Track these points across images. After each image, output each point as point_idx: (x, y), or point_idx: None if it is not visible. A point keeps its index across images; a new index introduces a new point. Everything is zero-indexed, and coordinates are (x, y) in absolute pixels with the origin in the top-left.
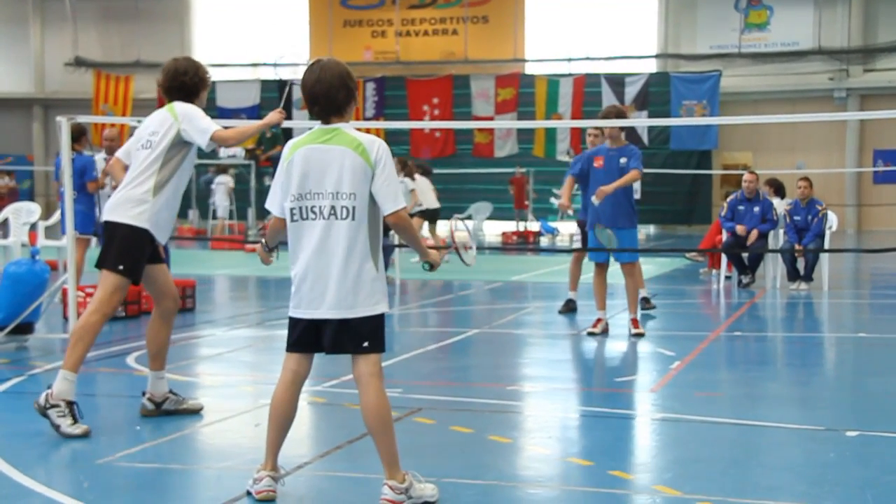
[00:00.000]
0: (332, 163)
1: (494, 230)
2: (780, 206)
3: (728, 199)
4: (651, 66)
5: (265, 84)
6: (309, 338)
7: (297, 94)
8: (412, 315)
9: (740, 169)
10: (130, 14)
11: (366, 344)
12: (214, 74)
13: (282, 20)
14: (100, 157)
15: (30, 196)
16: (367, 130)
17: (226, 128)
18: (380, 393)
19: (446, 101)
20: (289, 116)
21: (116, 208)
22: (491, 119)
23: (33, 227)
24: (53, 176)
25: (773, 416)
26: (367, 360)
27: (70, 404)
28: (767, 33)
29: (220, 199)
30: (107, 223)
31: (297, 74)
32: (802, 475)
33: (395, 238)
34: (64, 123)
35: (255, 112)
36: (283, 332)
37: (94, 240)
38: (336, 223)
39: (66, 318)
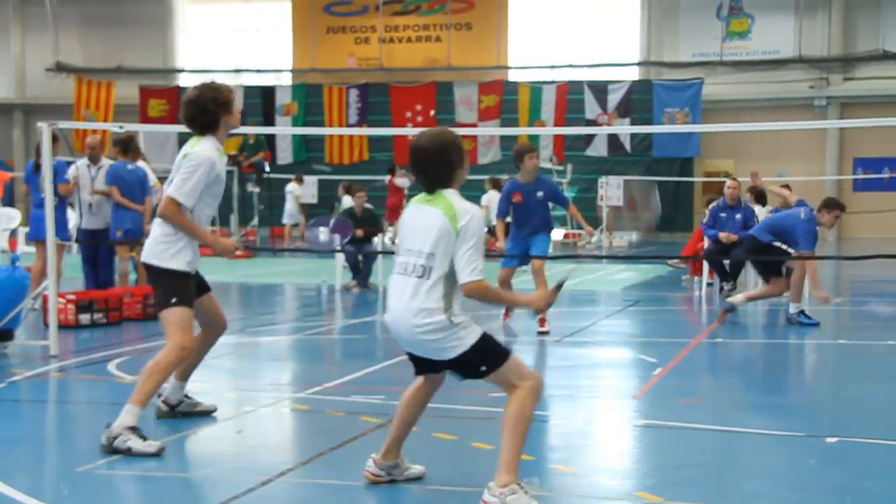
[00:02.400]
0: (423, 222)
1: None
2: (761, 213)
3: (710, 207)
4: (634, 74)
5: (248, 90)
6: (421, 366)
7: (280, 100)
8: None
9: (722, 176)
10: (112, 19)
11: (483, 368)
12: (197, 81)
13: (265, 26)
14: (81, 164)
15: (10, 202)
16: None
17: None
18: (516, 398)
19: (429, 108)
20: (271, 123)
21: (150, 250)
22: (474, 126)
23: (13, 233)
24: (23, 179)
25: (755, 422)
26: (497, 378)
27: (132, 429)
28: (749, 41)
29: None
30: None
31: (279, 81)
32: (783, 481)
33: (378, 245)
34: (45, 129)
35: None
36: (266, 339)
37: (73, 246)
38: (409, 279)
39: (46, 324)
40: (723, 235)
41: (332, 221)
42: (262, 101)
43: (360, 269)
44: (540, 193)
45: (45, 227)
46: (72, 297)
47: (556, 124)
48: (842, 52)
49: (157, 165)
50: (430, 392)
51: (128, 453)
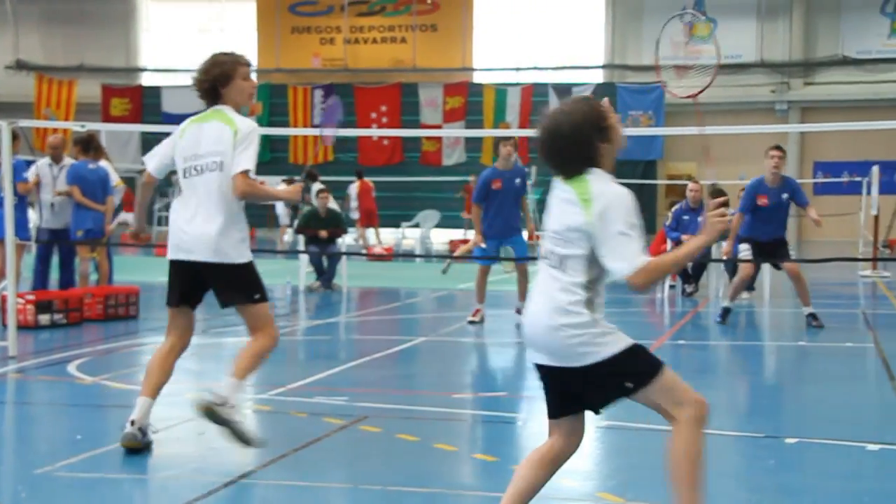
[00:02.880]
0: (556, 206)
1: (442, 238)
2: None
3: (673, 209)
4: (598, 77)
5: None
6: (556, 397)
7: None
8: (359, 323)
9: (685, 179)
10: (74, 17)
11: (629, 385)
12: (160, 80)
13: (229, 26)
14: (43, 163)
15: None
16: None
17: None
18: (677, 436)
19: (394, 109)
20: None
21: (219, 250)
22: (439, 127)
23: None
24: None
25: (715, 423)
26: (646, 399)
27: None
28: (712, 46)
29: None
30: (210, 265)
31: None
32: (743, 482)
33: (343, 246)
34: (4, 127)
35: None
36: (229, 340)
37: (34, 246)
38: (548, 270)
39: (4, 325)
40: (685, 238)
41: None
42: None
43: (324, 269)
44: (517, 181)
45: (4, 226)
46: (31, 297)
47: (521, 126)
48: (803, 57)
49: (120, 165)
50: (562, 453)
51: (224, 425)
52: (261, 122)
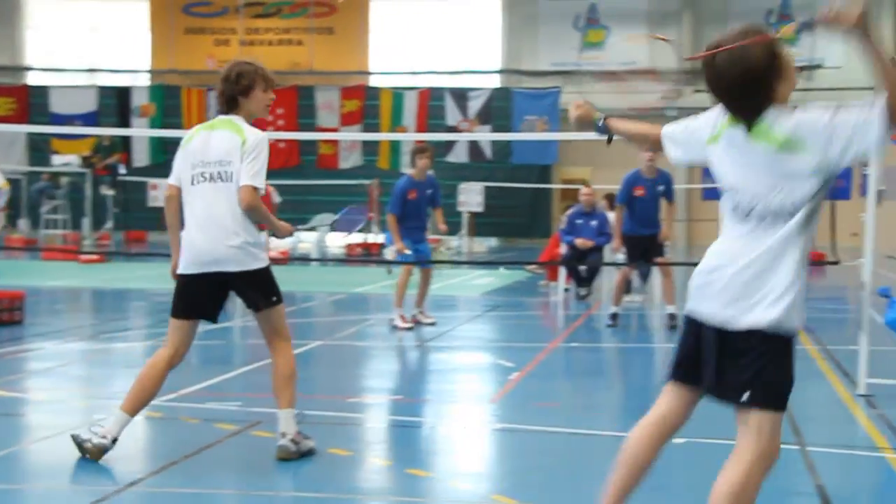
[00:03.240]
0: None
1: (338, 242)
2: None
3: (567, 213)
4: (494, 82)
5: (103, 90)
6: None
7: (136, 101)
8: (253, 327)
9: (579, 184)
10: None
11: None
12: (48, 79)
13: (121, 25)
14: None
15: None
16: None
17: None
18: (740, 464)
19: (291, 112)
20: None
21: (235, 259)
22: (336, 130)
23: None
24: None
25: (607, 425)
26: (750, 421)
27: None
28: (604, 52)
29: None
30: (227, 274)
31: (136, 81)
32: None
33: None
34: None
35: (92, 119)
36: (119, 346)
37: None
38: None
39: None
40: (579, 241)
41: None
42: (118, 102)
43: None
44: (429, 191)
45: None
46: None
47: (418, 130)
48: (692, 66)
49: (6, 166)
50: (674, 423)
51: (308, 453)
52: (154, 124)
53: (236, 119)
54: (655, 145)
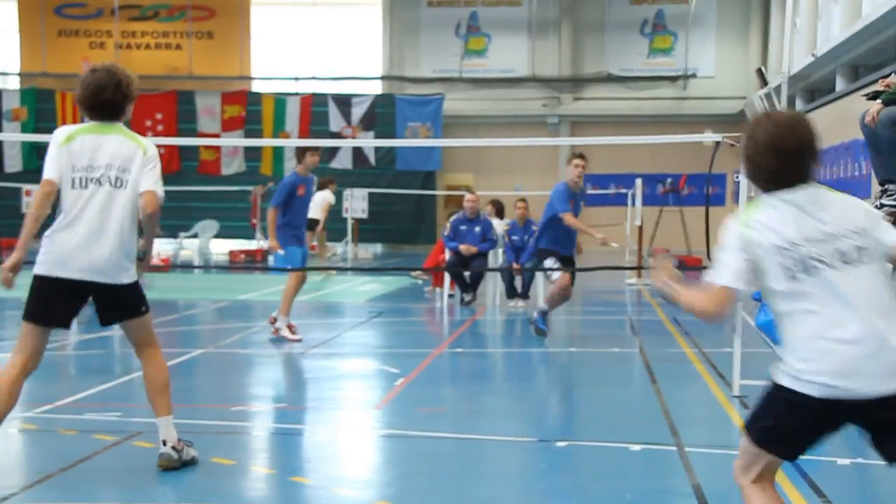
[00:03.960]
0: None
1: (221, 248)
2: (499, 226)
3: (451, 219)
4: (377, 88)
5: None
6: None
7: (7, 105)
8: None
9: (462, 190)
10: None
11: None
12: None
13: None
14: None
15: None
16: None
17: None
18: None
19: (170, 117)
20: None
21: (112, 272)
22: (217, 136)
23: None
24: None
25: (492, 429)
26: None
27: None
28: (486, 60)
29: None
30: (100, 286)
31: (6, 84)
32: (516, 485)
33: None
34: None
35: None
36: None
37: None
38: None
39: None
40: (463, 247)
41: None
42: None
43: None
44: (313, 188)
45: None
46: None
47: (301, 136)
48: (571, 74)
49: None
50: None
51: (189, 464)
52: (26, 129)
53: (123, 127)
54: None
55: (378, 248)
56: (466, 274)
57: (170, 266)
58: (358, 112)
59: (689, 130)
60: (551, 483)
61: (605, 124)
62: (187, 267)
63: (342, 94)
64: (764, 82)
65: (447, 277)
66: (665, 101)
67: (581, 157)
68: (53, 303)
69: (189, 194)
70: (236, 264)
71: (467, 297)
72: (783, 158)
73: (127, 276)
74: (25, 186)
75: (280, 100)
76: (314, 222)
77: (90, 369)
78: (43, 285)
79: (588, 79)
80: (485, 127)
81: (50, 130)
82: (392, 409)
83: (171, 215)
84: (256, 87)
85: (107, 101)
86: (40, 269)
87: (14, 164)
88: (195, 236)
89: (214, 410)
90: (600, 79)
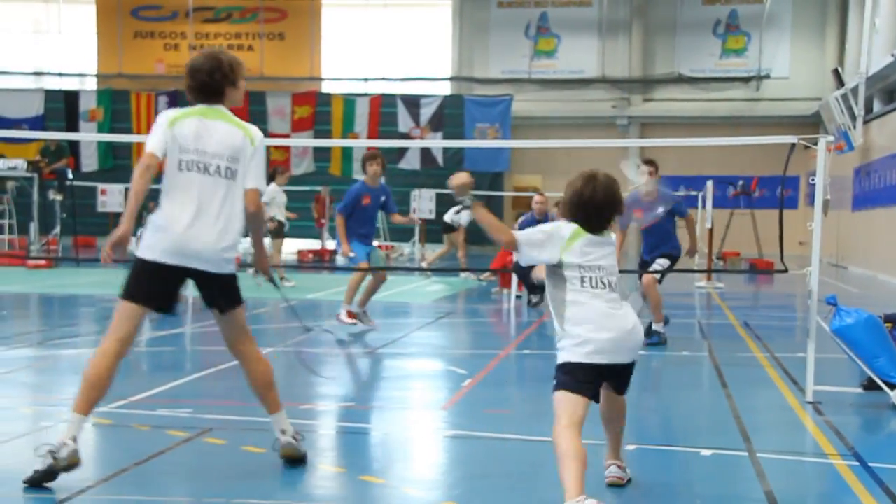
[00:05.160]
0: None
1: (290, 248)
2: None
3: (519, 220)
4: (446, 89)
5: (49, 94)
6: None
7: (84, 105)
8: (203, 334)
9: (530, 191)
10: None
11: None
12: None
13: (67, 28)
14: None
15: None
16: None
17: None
18: None
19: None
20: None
21: (218, 261)
22: (287, 136)
23: None
24: None
25: None
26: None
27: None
28: (556, 61)
29: None
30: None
31: (84, 85)
32: (584, 488)
33: None
34: None
35: (39, 123)
36: (68, 352)
37: None
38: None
39: None
40: None
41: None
42: (66, 106)
43: None
44: (382, 198)
45: None
46: None
47: (370, 137)
48: (641, 75)
49: None
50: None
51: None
52: (102, 129)
53: (226, 111)
54: (509, 246)
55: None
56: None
57: (240, 265)
58: (427, 113)
59: (761, 132)
60: (619, 487)
61: (675, 126)
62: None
63: (411, 95)
64: (840, 83)
65: (515, 279)
66: (737, 103)
67: (649, 162)
68: (155, 285)
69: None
70: (305, 264)
71: (535, 299)
72: (594, 211)
73: (229, 266)
74: (101, 185)
75: (349, 100)
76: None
77: (162, 366)
78: (148, 268)
79: (659, 80)
80: (553, 128)
81: (126, 130)
82: (459, 410)
83: None
84: (326, 87)
85: (204, 82)
86: (145, 253)
87: (90, 163)
88: (265, 235)
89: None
90: (671, 80)
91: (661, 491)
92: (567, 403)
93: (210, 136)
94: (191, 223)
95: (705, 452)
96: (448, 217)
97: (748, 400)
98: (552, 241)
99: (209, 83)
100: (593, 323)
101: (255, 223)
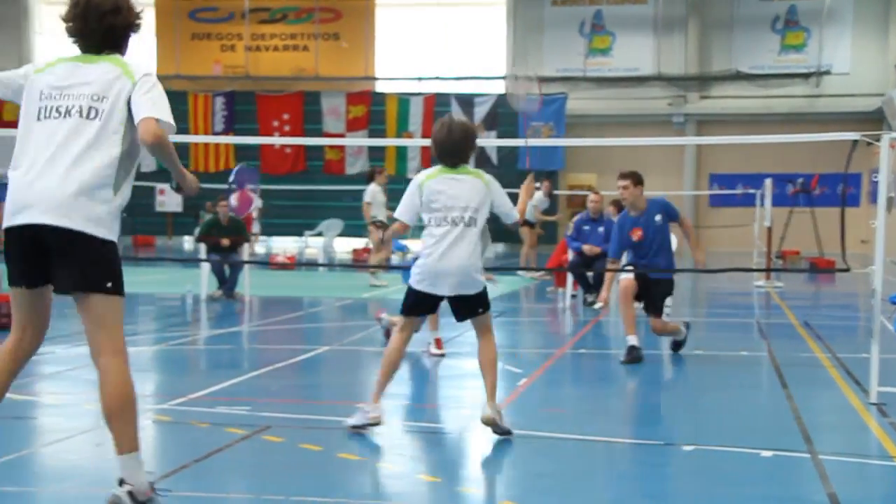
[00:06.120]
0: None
1: (345, 247)
2: None
3: (574, 220)
4: (500, 88)
5: None
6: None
7: None
8: (262, 332)
9: (585, 190)
10: None
11: (480, 309)
12: None
13: None
14: None
15: None
16: (217, 146)
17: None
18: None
19: (297, 118)
20: None
21: (69, 210)
22: (342, 136)
23: None
24: None
25: (615, 431)
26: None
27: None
28: (610, 58)
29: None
30: (56, 229)
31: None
32: (641, 488)
33: (244, 255)
34: None
35: None
36: (129, 350)
37: None
38: (466, 229)
39: None
40: (586, 248)
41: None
42: None
43: (226, 278)
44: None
45: None
46: None
47: (424, 136)
48: (698, 72)
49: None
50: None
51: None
52: None
53: (120, 58)
54: (404, 230)
55: (500, 247)
56: (589, 274)
57: (295, 264)
58: (481, 112)
59: (821, 129)
60: (677, 487)
61: (732, 123)
62: (312, 265)
63: (465, 94)
64: None
65: (570, 278)
66: (797, 100)
67: (621, 177)
68: (15, 259)
69: (314, 193)
70: (360, 263)
71: (590, 298)
72: (450, 147)
73: (91, 225)
74: (159, 185)
75: (403, 100)
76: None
77: (220, 364)
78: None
79: (715, 77)
80: (608, 126)
81: (183, 131)
82: (515, 409)
83: (297, 214)
84: (380, 87)
85: (110, 26)
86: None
87: (149, 163)
88: (320, 235)
89: (340, 407)
90: (728, 77)
91: (720, 492)
92: (401, 322)
93: (78, 78)
94: (36, 172)
95: (766, 453)
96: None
97: (809, 400)
98: (413, 193)
99: (114, 24)
100: (427, 258)
101: (159, 155)
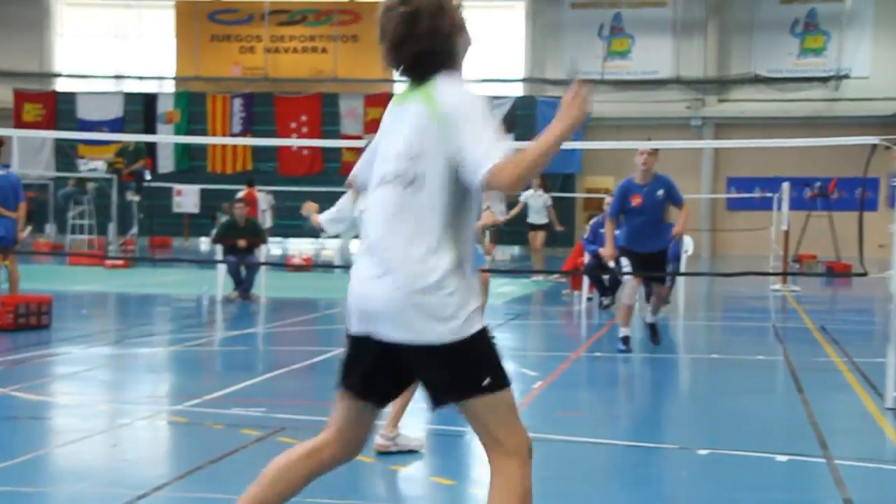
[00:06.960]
0: None
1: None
2: None
3: (590, 222)
4: (517, 90)
5: (129, 97)
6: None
7: (162, 108)
8: (277, 334)
9: (602, 192)
10: None
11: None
12: (75, 85)
13: (146, 32)
14: None
15: None
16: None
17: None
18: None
19: (315, 119)
20: (153, 131)
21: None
22: (360, 138)
23: None
24: None
25: (630, 434)
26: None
27: None
28: (629, 61)
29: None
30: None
31: (161, 88)
32: (657, 492)
33: (261, 256)
34: None
35: (118, 125)
36: (144, 351)
37: None
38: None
39: None
40: (602, 251)
41: None
42: (144, 109)
43: (242, 279)
44: None
45: None
46: None
47: None
48: (717, 75)
49: (34, 171)
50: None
51: None
52: (179, 131)
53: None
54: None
55: (515, 250)
56: (605, 277)
57: (312, 265)
58: (498, 114)
59: (840, 133)
60: (693, 492)
61: (750, 126)
62: (328, 267)
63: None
64: None
65: (586, 281)
66: (815, 103)
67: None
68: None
69: (332, 195)
70: None
71: (606, 301)
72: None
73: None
74: (177, 186)
75: None
76: None
77: (236, 365)
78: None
79: (734, 80)
80: (626, 129)
81: (201, 132)
82: (530, 412)
83: None
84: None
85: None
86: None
87: (167, 164)
88: (336, 236)
89: None
90: (747, 80)
91: (736, 496)
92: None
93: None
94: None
95: (781, 458)
96: None
97: (825, 405)
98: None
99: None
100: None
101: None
